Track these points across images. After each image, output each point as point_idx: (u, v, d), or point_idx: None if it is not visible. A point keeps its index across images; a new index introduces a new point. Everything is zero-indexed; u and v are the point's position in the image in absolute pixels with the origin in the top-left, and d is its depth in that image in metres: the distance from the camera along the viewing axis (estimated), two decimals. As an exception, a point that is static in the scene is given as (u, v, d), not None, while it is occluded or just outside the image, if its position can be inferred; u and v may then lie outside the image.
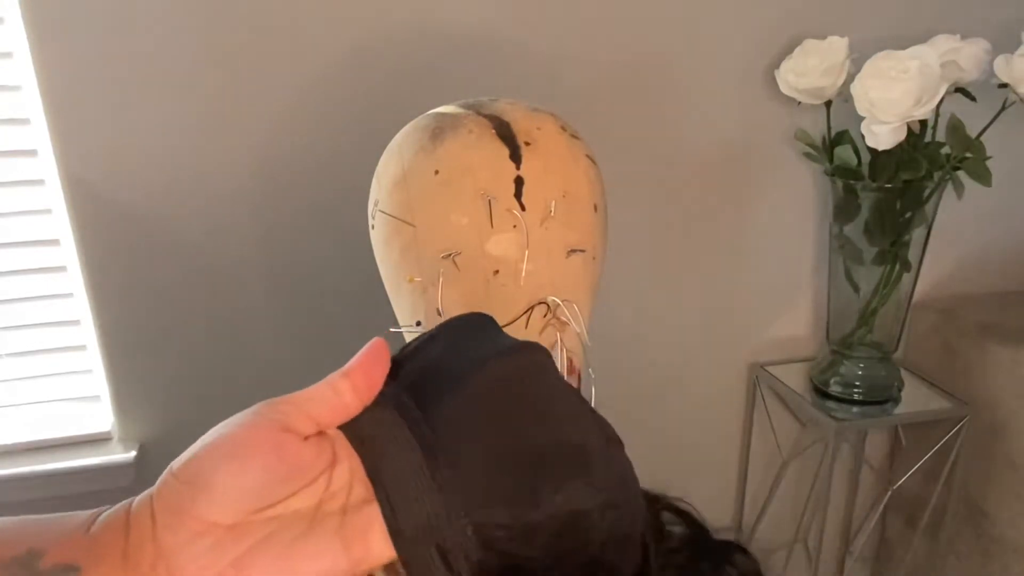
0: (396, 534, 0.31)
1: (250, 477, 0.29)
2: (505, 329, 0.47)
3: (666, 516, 0.46)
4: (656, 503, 0.45)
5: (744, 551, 0.45)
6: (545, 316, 0.48)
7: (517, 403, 0.33)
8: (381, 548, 0.31)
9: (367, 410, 0.33)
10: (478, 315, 0.37)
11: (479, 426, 0.32)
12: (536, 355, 0.34)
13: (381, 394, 0.33)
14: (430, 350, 0.35)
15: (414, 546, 0.31)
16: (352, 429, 0.33)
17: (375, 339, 0.33)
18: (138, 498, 0.31)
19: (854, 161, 0.99)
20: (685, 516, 0.46)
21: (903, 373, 1.15)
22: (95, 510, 0.31)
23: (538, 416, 0.33)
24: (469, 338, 0.36)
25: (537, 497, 0.32)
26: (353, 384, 0.32)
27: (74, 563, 0.28)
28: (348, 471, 0.32)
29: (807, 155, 1.05)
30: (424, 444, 0.32)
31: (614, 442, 0.35)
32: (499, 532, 0.32)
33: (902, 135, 0.90)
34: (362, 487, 0.32)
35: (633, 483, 0.35)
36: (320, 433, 0.32)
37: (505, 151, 0.48)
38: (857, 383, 1.09)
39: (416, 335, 0.37)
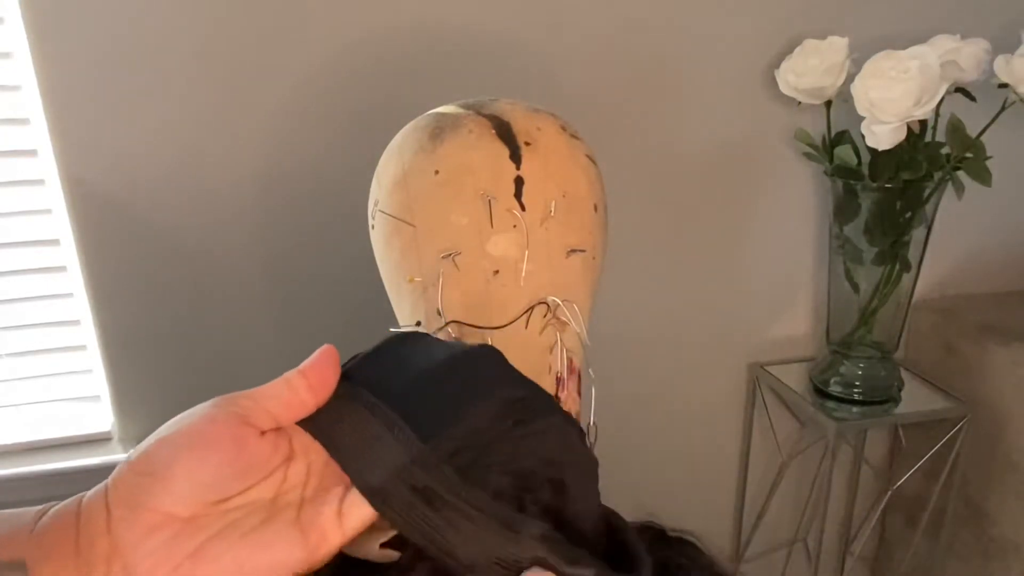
0: (368, 491, 0.32)
1: (209, 469, 0.30)
2: (505, 329, 0.47)
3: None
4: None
5: (695, 546, 0.45)
6: (545, 316, 0.48)
7: (468, 382, 0.35)
8: (336, 533, 0.31)
9: (323, 406, 0.34)
10: (419, 332, 0.39)
11: (433, 396, 0.34)
12: (490, 353, 0.36)
13: (336, 391, 0.34)
14: (382, 358, 0.36)
15: (389, 494, 0.32)
16: (309, 420, 0.33)
17: (325, 345, 0.34)
18: (90, 492, 0.30)
19: (854, 161, 0.99)
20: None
21: (903, 373, 1.15)
22: (43, 506, 0.31)
23: (483, 383, 0.35)
24: (422, 345, 0.37)
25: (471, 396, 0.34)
26: (309, 382, 0.33)
27: (20, 560, 0.28)
28: (304, 466, 0.33)
29: (807, 155, 1.05)
30: (383, 418, 0.33)
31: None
32: (452, 444, 0.33)
33: (902, 135, 0.90)
34: (317, 480, 0.33)
35: (581, 442, 0.38)
36: (277, 429, 0.33)
37: (505, 151, 0.48)
38: (857, 383, 1.09)
39: None
